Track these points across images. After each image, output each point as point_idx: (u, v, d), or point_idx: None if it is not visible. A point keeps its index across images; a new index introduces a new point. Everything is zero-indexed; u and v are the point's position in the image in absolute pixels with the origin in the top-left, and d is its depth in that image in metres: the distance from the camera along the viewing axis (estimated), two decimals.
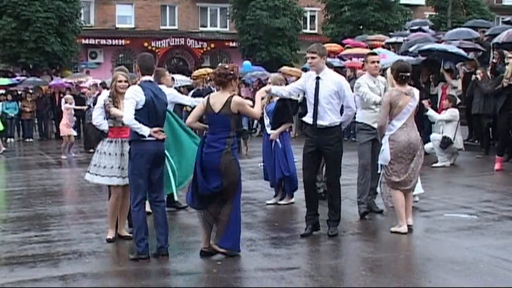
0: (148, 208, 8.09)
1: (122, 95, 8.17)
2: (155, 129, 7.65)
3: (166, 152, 8.06)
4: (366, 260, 7.52)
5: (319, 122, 8.40)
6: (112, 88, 8.66)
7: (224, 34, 47.27)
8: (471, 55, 18.31)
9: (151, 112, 7.66)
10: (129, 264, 7.58)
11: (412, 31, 25.38)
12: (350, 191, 10.94)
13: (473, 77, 16.44)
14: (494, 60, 16.19)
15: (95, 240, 8.79)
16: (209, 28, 48.09)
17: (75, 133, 22.00)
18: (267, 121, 11.22)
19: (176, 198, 8.91)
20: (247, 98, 22.71)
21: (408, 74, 8.75)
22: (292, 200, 10.92)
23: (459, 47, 17.92)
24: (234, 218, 7.65)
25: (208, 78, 27.26)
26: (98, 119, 8.97)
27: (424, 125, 16.78)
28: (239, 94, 11.37)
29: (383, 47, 23.42)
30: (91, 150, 19.93)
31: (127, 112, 7.60)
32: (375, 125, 9.26)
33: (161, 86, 10.64)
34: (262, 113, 10.55)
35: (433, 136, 15.53)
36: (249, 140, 19.49)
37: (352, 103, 8.59)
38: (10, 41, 34.60)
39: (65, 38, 35.99)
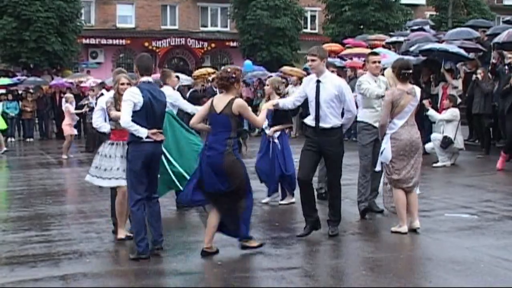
0: None
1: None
2: (153, 130, 7.67)
3: (167, 154, 8.11)
4: (367, 260, 7.52)
5: (322, 124, 8.37)
6: (114, 90, 8.67)
7: (225, 34, 47.25)
8: (471, 54, 18.30)
9: (149, 113, 7.67)
10: (130, 264, 7.58)
11: (413, 30, 25.37)
12: (351, 191, 10.94)
13: (474, 77, 16.44)
14: (494, 61, 16.18)
15: (96, 240, 8.79)
16: (209, 28, 48.08)
17: (75, 132, 22.00)
18: (265, 123, 11.22)
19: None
20: (247, 98, 22.78)
21: (410, 71, 8.74)
22: (293, 200, 10.91)
23: (460, 47, 17.91)
24: (248, 212, 7.83)
25: (210, 79, 27.29)
26: (98, 121, 9.00)
27: (425, 125, 16.77)
28: (240, 95, 11.34)
29: (383, 46, 23.42)
30: (91, 150, 19.97)
31: (123, 115, 7.63)
32: (377, 124, 9.25)
33: (166, 87, 10.79)
34: None
35: (433, 136, 15.54)
36: (248, 140, 19.47)
37: (352, 106, 8.54)
38: (11, 41, 34.61)
39: (65, 38, 36.00)
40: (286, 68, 27.21)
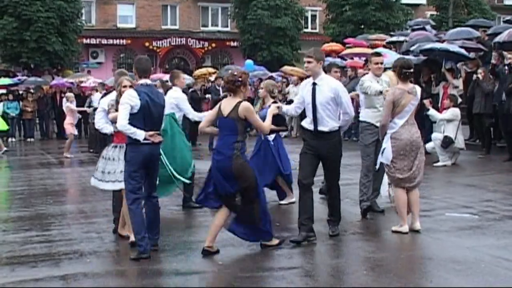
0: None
1: None
2: (151, 132, 7.72)
3: (163, 157, 8.15)
4: (367, 260, 7.52)
5: (320, 128, 8.27)
6: (116, 92, 8.69)
7: (225, 34, 47.25)
8: (472, 54, 18.29)
9: (146, 116, 7.72)
10: (130, 264, 7.59)
11: (414, 30, 25.36)
12: (351, 191, 10.95)
13: (474, 76, 16.44)
14: (494, 61, 16.17)
15: (96, 240, 8.80)
16: (210, 28, 48.07)
17: (76, 132, 22.01)
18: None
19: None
20: (248, 97, 22.78)
21: (411, 70, 8.74)
22: (293, 199, 10.89)
23: (461, 47, 17.90)
24: (263, 214, 7.86)
25: (212, 79, 27.28)
26: (99, 122, 9.03)
27: (425, 125, 16.76)
28: None
29: (384, 46, 23.40)
30: (91, 150, 19.98)
31: (120, 118, 7.69)
32: (379, 124, 9.24)
33: (175, 88, 10.89)
34: None
35: (434, 135, 15.53)
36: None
37: (349, 109, 8.40)
38: (11, 41, 34.63)
39: (66, 38, 36.01)
40: (286, 68, 27.21)
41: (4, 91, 29.80)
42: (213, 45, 46.31)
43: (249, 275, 7.01)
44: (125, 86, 8.44)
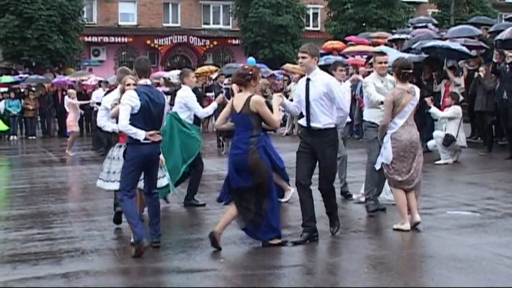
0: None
1: None
2: (151, 132, 7.80)
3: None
4: (369, 258, 7.52)
5: (313, 124, 8.15)
6: (120, 91, 8.71)
7: (227, 32, 47.25)
8: (473, 52, 18.26)
9: (146, 116, 7.80)
10: (132, 262, 7.60)
11: (416, 27, 25.33)
12: (354, 189, 10.95)
13: (476, 74, 16.42)
14: (495, 60, 16.15)
15: (98, 238, 8.80)
16: (211, 26, 48.06)
17: (78, 129, 22.02)
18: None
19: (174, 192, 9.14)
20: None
21: (410, 71, 8.73)
22: (291, 192, 10.78)
23: (463, 45, 17.88)
24: (271, 211, 7.85)
25: (213, 76, 27.27)
26: (101, 120, 9.13)
27: (427, 123, 16.76)
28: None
29: (385, 44, 23.39)
30: (93, 149, 19.95)
31: (121, 118, 7.78)
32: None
33: (184, 87, 10.93)
34: None
35: (435, 133, 15.52)
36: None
37: (343, 104, 8.24)
38: (13, 39, 34.66)
39: (67, 36, 36.03)
40: (288, 66, 27.21)
41: (5, 89, 29.82)
42: (215, 43, 46.33)
43: (250, 273, 7.01)
44: (128, 85, 8.46)
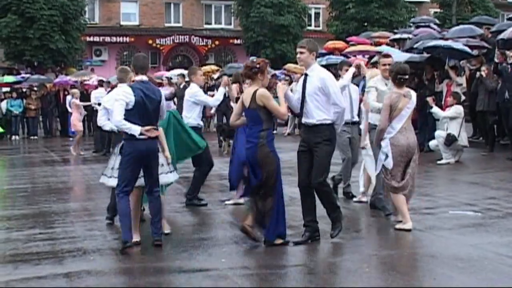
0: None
1: None
2: (147, 127, 7.82)
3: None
4: (371, 258, 7.51)
5: (308, 120, 8.07)
6: None
7: (229, 31, 47.27)
8: (475, 51, 18.26)
9: (141, 111, 7.85)
10: (133, 262, 7.60)
11: (419, 26, 25.31)
12: (355, 189, 10.92)
13: (478, 74, 16.41)
14: (497, 60, 16.14)
15: (100, 238, 8.80)
16: (213, 25, 48.09)
17: (82, 128, 22.01)
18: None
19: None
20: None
21: (406, 76, 8.76)
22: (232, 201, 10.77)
23: (465, 45, 17.87)
24: (275, 212, 7.84)
25: (215, 76, 27.28)
26: (101, 120, 9.19)
27: (429, 122, 16.77)
28: (241, 90, 11.29)
29: (387, 44, 23.39)
30: (94, 151, 19.90)
31: (115, 114, 7.88)
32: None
33: (192, 84, 10.99)
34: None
35: (437, 133, 15.52)
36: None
37: (338, 100, 8.02)
38: (15, 39, 34.70)
39: (69, 36, 36.07)
40: (290, 66, 27.24)
41: (7, 89, 29.85)
42: (217, 42, 46.37)
43: (252, 273, 7.01)
44: (133, 81, 8.49)
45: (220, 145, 19.74)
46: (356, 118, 10.84)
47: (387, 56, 10.38)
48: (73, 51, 36.88)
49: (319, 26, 48.58)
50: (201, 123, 11.09)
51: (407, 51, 20.38)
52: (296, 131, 23.91)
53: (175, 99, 19.15)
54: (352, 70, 10.53)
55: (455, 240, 8.05)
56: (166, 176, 8.56)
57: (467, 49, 17.53)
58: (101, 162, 16.98)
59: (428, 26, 24.76)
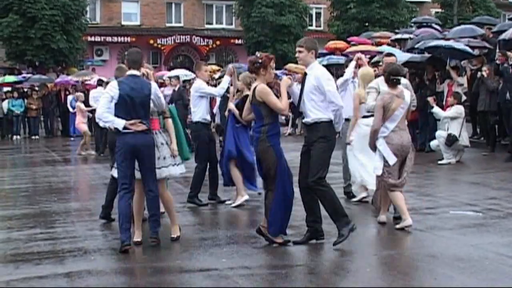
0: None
1: None
2: (132, 121, 7.84)
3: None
4: (371, 257, 7.52)
5: (306, 119, 8.02)
6: None
7: (230, 31, 47.27)
8: (476, 51, 18.26)
9: (128, 105, 7.88)
10: (134, 261, 7.61)
11: (420, 26, 25.31)
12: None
13: (479, 74, 16.40)
14: (498, 61, 16.14)
15: (100, 238, 8.82)
16: (214, 25, 48.10)
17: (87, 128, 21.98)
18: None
19: None
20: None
21: (399, 77, 8.79)
22: (238, 203, 10.70)
23: (466, 45, 17.87)
24: (274, 206, 7.86)
25: (216, 76, 27.25)
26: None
27: (429, 122, 16.77)
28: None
29: (388, 44, 23.39)
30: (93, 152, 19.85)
31: (98, 107, 8.07)
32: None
33: (197, 80, 11.04)
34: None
35: (438, 133, 15.52)
36: None
37: (334, 98, 7.87)
38: (16, 39, 34.71)
39: (71, 36, 36.07)
40: (291, 66, 26.79)
41: (9, 88, 29.83)
42: (218, 42, 46.37)
43: (252, 273, 7.00)
44: (143, 75, 8.54)
45: (221, 145, 19.69)
46: None
47: (390, 55, 10.38)
48: (75, 51, 36.89)
49: (320, 26, 48.57)
50: (208, 118, 11.03)
51: (408, 51, 20.38)
52: (296, 131, 23.94)
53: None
54: (353, 64, 10.54)
55: (456, 240, 8.06)
56: (168, 169, 8.44)
57: (468, 49, 17.54)
58: (102, 162, 17.00)
59: (430, 26, 24.76)
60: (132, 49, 8.61)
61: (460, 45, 17.61)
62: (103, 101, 7.96)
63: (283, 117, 20.27)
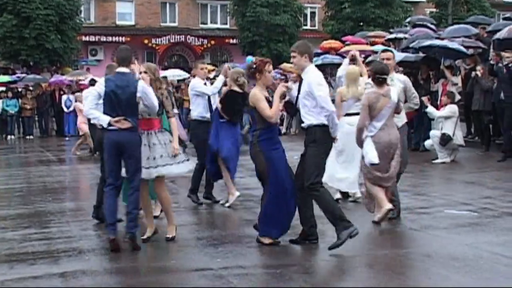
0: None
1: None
2: (117, 118, 7.86)
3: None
4: (366, 257, 7.52)
5: (302, 124, 7.99)
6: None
7: (225, 31, 47.26)
8: (470, 51, 18.28)
9: (113, 102, 7.91)
10: (129, 261, 7.59)
11: (416, 26, 25.32)
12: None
13: (473, 73, 16.42)
14: (492, 62, 16.16)
15: (95, 237, 8.81)
16: (209, 25, 48.08)
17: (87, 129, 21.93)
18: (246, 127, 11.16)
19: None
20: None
21: (385, 76, 8.78)
22: (230, 203, 10.67)
23: (461, 45, 17.89)
24: (265, 208, 7.92)
25: (211, 76, 27.23)
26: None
27: (424, 122, 16.78)
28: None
29: (383, 44, 23.39)
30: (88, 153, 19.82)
31: (85, 104, 8.33)
32: None
33: (195, 78, 11.21)
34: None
35: (432, 133, 15.55)
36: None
37: (325, 103, 7.66)
38: (11, 38, 34.65)
39: (65, 35, 36.03)
40: (285, 65, 27.24)
41: (3, 88, 29.76)
42: (212, 42, 46.36)
43: (247, 272, 7.00)
44: (140, 73, 8.59)
45: None
46: None
47: (387, 50, 10.37)
48: (69, 51, 36.84)
49: (315, 26, 48.58)
50: (208, 115, 10.97)
51: (402, 50, 20.39)
52: (291, 131, 23.93)
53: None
54: (346, 61, 10.54)
55: (451, 240, 8.06)
56: (156, 170, 8.30)
57: (462, 48, 17.56)
58: (97, 162, 16.94)
59: (426, 26, 24.77)
60: (121, 46, 8.68)
61: (454, 45, 17.63)
62: (90, 98, 8.09)
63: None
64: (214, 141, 10.65)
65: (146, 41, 44.83)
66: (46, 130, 29.24)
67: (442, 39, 19.47)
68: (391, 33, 26.74)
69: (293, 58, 8.02)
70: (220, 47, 47.47)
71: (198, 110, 11.00)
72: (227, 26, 47.64)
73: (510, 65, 14.86)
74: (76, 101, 21.80)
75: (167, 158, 8.32)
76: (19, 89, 30.22)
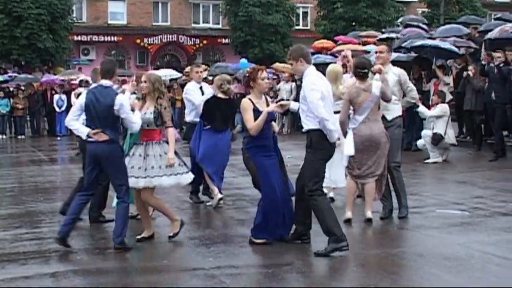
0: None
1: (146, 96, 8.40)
2: (94, 131, 7.90)
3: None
4: (358, 257, 7.51)
5: (302, 129, 7.91)
6: (137, 88, 9.08)
7: (217, 31, 47.26)
8: (461, 50, 18.31)
9: (92, 114, 7.97)
10: (120, 261, 7.58)
11: (407, 26, 25.34)
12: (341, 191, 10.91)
13: (465, 73, 16.45)
14: (484, 62, 16.19)
15: (87, 238, 8.79)
16: (201, 25, 48.08)
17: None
18: (238, 127, 11.19)
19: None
20: (239, 93, 22.73)
21: (366, 70, 8.89)
22: (215, 203, 10.58)
23: (452, 44, 17.92)
24: (258, 211, 8.02)
25: (204, 75, 27.24)
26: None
27: (416, 121, 16.80)
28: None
29: (375, 43, 23.40)
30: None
31: (69, 114, 8.35)
32: (389, 117, 9.25)
33: (190, 82, 11.35)
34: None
35: (424, 132, 15.57)
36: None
37: (314, 109, 7.48)
38: (2, 38, 34.62)
39: (57, 35, 35.98)
40: (278, 65, 27.21)
41: None
42: (205, 42, 46.37)
43: (239, 272, 7.00)
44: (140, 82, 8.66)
45: None
46: None
47: (383, 40, 10.39)
48: (61, 50, 36.80)
49: (307, 26, 48.64)
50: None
51: (394, 50, 20.38)
52: (283, 131, 23.92)
53: None
54: (339, 61, 10.59)
55: (443, 239, 8.08)
56: (179, 176, 8.35)
57: (454, 48, 17.58)
58: None
59: (418, 26, 24.79)
60: (106, 58, 8.78)
61: (446, 45, 17.65)
62: (73, 109, 8.31)
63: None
64: (194, 145, 10.70)
65: (138, 41, 44.80)
66: (38, 130, 29.14)
67: (434, 39, 19.49)
68: (383, 33, 26.76)
69: (290, 65, 8.04)
70: (213, 47, 47.48)
71: (192, 114, 11.22)
72: (220, 26, 47.64)
73: (501, 65, 14.89)
74: (75, 97, 21.73)
75: (158, 170, 8.21)
76: (11, 89, 30.12)
